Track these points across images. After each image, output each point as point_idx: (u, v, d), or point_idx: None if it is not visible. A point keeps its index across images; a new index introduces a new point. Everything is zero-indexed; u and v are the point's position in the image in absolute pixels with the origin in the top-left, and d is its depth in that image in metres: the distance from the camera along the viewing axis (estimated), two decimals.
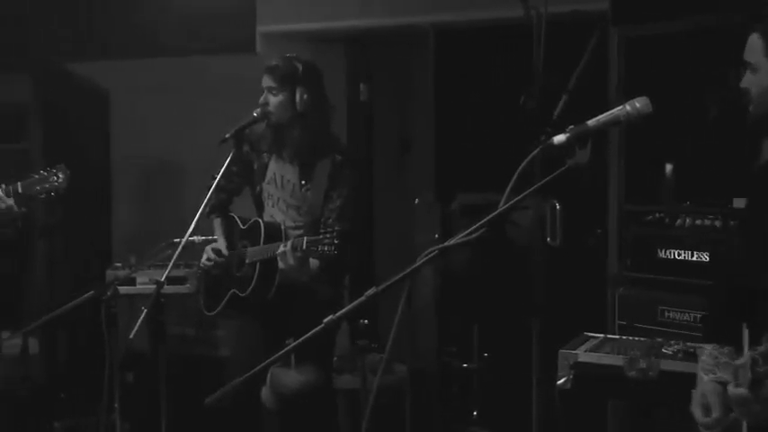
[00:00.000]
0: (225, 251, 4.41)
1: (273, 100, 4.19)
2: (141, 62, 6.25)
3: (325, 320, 2.56)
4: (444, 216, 5.39)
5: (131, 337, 3.79)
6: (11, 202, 4.43)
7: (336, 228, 4.01)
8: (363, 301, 2.44)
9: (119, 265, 5.55)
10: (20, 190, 4.40)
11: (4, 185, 4.42)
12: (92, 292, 4.19)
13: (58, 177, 4.41)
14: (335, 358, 4.83)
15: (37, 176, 4.42)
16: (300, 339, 2.53)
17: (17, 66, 6.42)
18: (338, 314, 2.52)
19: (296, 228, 4.29)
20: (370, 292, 2.44)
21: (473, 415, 5.40)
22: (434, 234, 5.31)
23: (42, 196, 4.43)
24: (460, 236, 2.40)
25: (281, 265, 4.05)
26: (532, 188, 2.50)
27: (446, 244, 2.42)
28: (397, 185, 6.17)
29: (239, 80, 5.22)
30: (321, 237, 3.91)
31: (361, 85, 5.67)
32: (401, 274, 2.42)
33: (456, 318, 5.58)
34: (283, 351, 2.62)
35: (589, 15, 4.55)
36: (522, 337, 4.28)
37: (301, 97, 4.17)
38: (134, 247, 5.79)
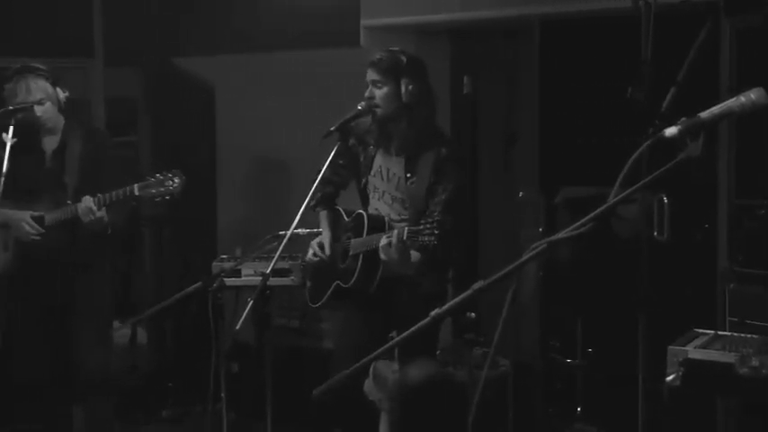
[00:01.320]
0: (329, 244, 4.43)
1: (379, 93, 4.20)
2: (246, 57, 6.31)
3: (432, 314, 2.55)
4: (548, 210, 5.34)
5: (237, 328, 3.83)
6: (101, 213, 4.51)
7: (437, 218, 4.00)
8: (470, 295, 2.42)
9: (224, 257, 5.63)
10: (136, 192, 4.47)
11: (99, 195, 4.49)
12: (199, 283, 4.26)
13: (173, 182, 4.48)
14: (438, 352, 4.82)
15: (153, 180, 4.49)
16: (407, 333, 2.52)
17: (127, 62, 6.56)
18: (445, 308, 2.51)
19: (401, 221, 4.29)
20: (478, 285, 2.41)
21: (577, 411, 5.35)
22: (538, 228, 5.27)
23: (157, 200, 4.50)
24: (568, 229, 2.36)
25: (382, 256, 4.05)
26: (643, 181, 2.45)
27: (554, 237, 2.38)
28: (502, 179, 6.12)
29: (343, 74, 5.24)
30: (421, 227, 3.90)
31: (465, 78, 5.63)
32: (509, 268, 2.40)
33: (560, 312, 5.53)
34: (389, 345, 2.62)
35: (699, 6, 4.45)
36: (627, 333, 4.22)
37: (407, 89, 4.17)
38: (239, 240, 5.86)
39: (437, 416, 4.07)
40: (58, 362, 4.80)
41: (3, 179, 4.33)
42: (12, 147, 4.46)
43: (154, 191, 4.48)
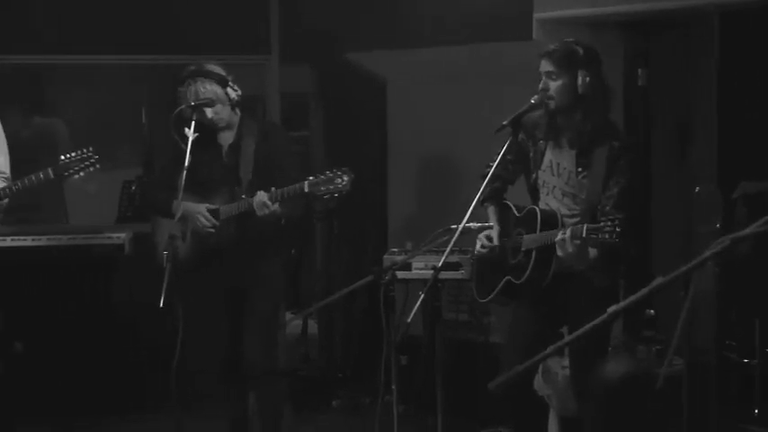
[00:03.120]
0: (497, 239, 4.42)
1: (553, 84, 4.15)
2: (419, 52, 6.34)
3: (610, 310, 2.51)
4: (726, 205, 5.18)
5: (408, 321, 3.86)
6: (275, 207, 4.62)
7: (618, 216, 3.93)
8: (650, 292, 2.37)
9: (395, 250, 5.68)
10: (306, 189, 4.55)
11: (273, 190, 4.59)
12: (370, 276, 4.31)
13: (342, 180, 4.53)
14: (610, 348, 4.75)
15: (323, 177, 4.55)
16: (583, 329, 2.49)
17: (302, 58, 6.68)
18: (623, 304, 2.47)
19: (571, 216, 4.24)
20: (658, 282, 2.36)
21: (754, 413, 5.18)
22: (716, 224, 5.12)
23: (326, 197, 4.58)
24: (754, 225, 2.29)
25: (558, 252, 4.02)
26: None
27: (739, 234, 2.31)
28: (677, 173, 5.97)
29: (516, 67, 5.21)
30: (602, 225, 3.85)
31: (639, 71, 5.53)
32: (690, 264, 2.34)
33: (737, 311, 5.37)
34: (565, 341, 2.60)
35: None
36: None
37: (583, 80, 4.11)
38: (410, 233, 5.90)
39: (636, 412, 3.99)
40: (232, 350, 4.94)
41: (185, 173, 4.47)
42: (192, 142, 4.60)
43: (323, 188, 4.55)
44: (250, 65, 6.26)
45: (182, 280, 4.33)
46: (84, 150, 4.91)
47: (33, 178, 4.95)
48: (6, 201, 4.91)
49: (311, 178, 4.57)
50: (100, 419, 5.97)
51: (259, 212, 4.64)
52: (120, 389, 6.07)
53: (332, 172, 4.57)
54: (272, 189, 4.62)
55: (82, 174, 4.92)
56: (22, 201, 5.01)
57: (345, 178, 4.55)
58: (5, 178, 5.15)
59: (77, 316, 6.03)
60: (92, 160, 4.90)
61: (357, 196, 4.73)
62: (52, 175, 4.91)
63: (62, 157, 4.91)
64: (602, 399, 3.98)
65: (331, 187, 4.55)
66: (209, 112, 4.77)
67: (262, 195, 4.63)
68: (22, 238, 5.86)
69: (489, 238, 4.43)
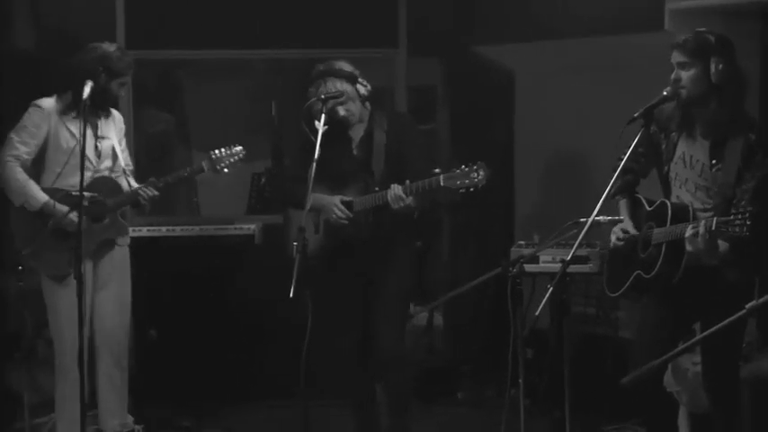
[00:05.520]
0: (632, 231, 4.36)
1: (685, 75, 4.08)
2: (547, 44, 6.29)
3: (748, 306, 2.46)
4: None
5: (537, 314, 3.84)
6: (410, 200, 4.65)
7: (749, 209, 3.84)
8: None
9: (522, 243, 5.65)
10: (441, 183, 4.59)
11: (407, 183, 4.62)
12: (499, 268, 4.30)
13: (478, 174, 4.56)
14: (744, 345, 4.64)
15: (458, 171, 4.58)
16: (719, 326, 2.45)
17: (429, 51, 6.70)
18: (762, 300, 2.42)
19: (704, 210, 4.16)
20: None
21: None
22: None
23: (462, 191, 4.60)
24: None
25: (688, 247, 3.95)
26: None
27: None
28: None
29: (646, 59, 5.13)
30: (732, 218, 3.77)
31: None
32: None
33: None
34: (699, 337, 2.55)
35: None
36: None
37: (716, 68, 4.03)
38: (537, 226, 5.87)
39: None
40: (361, 338, 4.99)
41: (315, 165, 4.54)
42: (322, 134, 4.66)
43: (458, 182, 4.57)
44: (378, 58, 6.30)
45: (312, 270, 4.39)
46: (232, 146, 5.17)
47: (185, 172, 5.18)
48: (157, 194, 5.11)
49: (449, 171, 4.60)
50: (230, 405, 6.11)
51: (394, 205, 4.69)
52: (249, 376, 6.20)
53: (467, 166, 4.58)
54: (407, 182, 4.65)
55: (229, 168, 5.18)
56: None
57: (481, 173, 4.56)
58: (131, 171, 5.33)
59: (209, 304, 6.18)
60: (239, 155, 5.19)
61: (483, 189, 4.73)
62: (205, 169, 5.16)
63: (214, 153, 5.13)
64: (739, 397, 3.91)
65: (467, 181, 4.57)
66: (340, 110, 4.83)
67: (397, 189, 4.67)
68: (156, 228, 6.03)
69: (625, 231, 4.38)
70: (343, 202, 4.87)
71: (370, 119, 4.98)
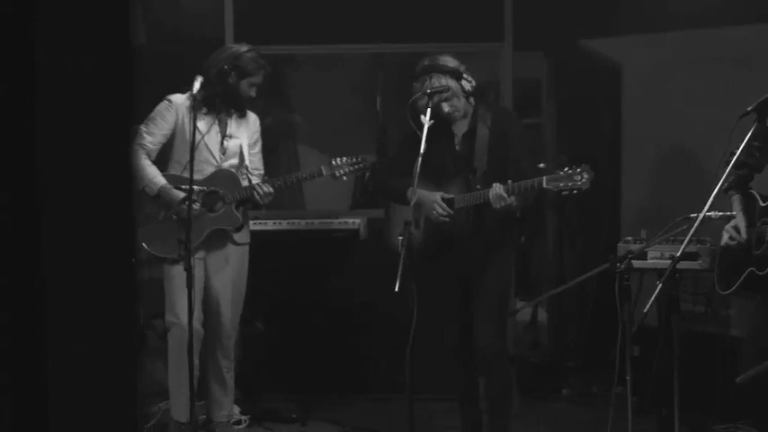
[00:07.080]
0: (744, 231, 4.27)
1: None
2: (655, 36, 6.19)
3: None
4: None
5: (645, 311, 3.79)
6: (511, 200, 4.62)
7: None
8: None
9: (629, 238, 5.58)
10: (544, 185, 4.55)
11: (509, 183, 4.59)
12: (607, 264, 4.26)
13: (582, 177, 4.50)
14: None
15: (562, 173, 4.53)
16: None
17: (533, 44, 6.65)
18: None
19: None
20: None
21: None
22: None
23: (565, 193, 4.55)
24: None
25: None
26: None
27: None
28: None
29: (760, 51, 5.02)
30: None
31: None
32: None
33: None
34: None
35: None
36: None
37: None
38: (644, 222, 5.79)
39: None
40: (463, 335, 4.99)
41: (420, 160, 4.54)
42: (427, 129, 4.66)
43: (561, 184, 4.53)
44: (483, 52, 6.28)
45: (416, 265, 4.40)
46: (355, 157, 5.29)
47: (304, 175, 5.37)
48: (272, 191, 5.28)
49: (554, 169, 4.56)
50: (336, 398, 6.18)
51: (495, 205, 4.65)
52: (355, 368, 6.25)
53: (571, 169, 4.53)
54: (509, 182, 4.61)
55: (348, 176, 5.33)
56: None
57: (585, 176, 4.50)
58: (260, 175, 5.42)
59: (315, 297, 6.25)
60: (359, 165, 5.31)
61: (592, 181, 4.67)
62: (324, 174, 5.28)
63: (335, 160, 5.27)
64: None
65: (570, 184, 4.52)
66: (445, 106, 4.81)
67: (498, 188, 4.63)
68: (262, 221, 6.10)
69: (737, 230, 4.29)
70: (444, 200, 4.86)
71: (473, 114, 4.95)
